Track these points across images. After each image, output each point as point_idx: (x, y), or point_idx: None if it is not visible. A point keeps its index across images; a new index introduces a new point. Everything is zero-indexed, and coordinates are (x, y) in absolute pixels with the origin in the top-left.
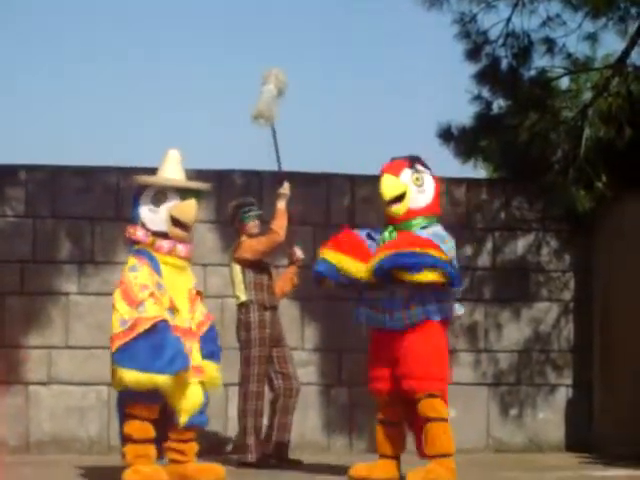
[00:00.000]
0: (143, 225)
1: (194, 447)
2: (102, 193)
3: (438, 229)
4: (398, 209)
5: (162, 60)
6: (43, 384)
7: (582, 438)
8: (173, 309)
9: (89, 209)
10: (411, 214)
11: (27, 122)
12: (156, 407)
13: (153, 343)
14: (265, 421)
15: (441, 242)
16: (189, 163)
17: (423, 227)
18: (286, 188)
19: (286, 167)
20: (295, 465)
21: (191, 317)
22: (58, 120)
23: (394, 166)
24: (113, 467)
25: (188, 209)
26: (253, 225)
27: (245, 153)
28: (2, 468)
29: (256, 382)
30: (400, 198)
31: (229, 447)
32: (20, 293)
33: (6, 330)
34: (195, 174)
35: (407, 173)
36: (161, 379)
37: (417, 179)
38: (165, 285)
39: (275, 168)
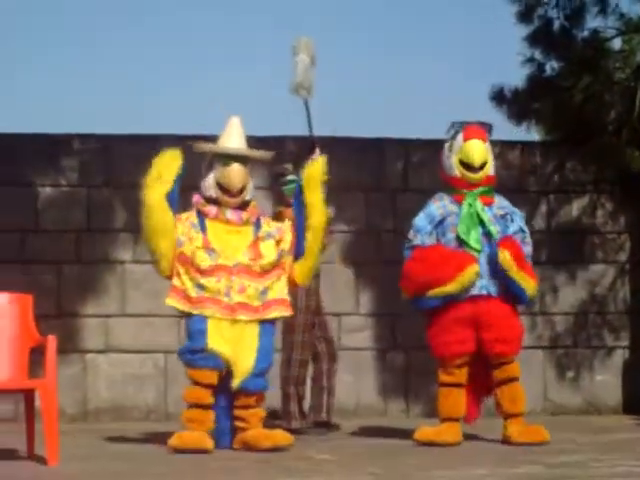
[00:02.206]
0: (200, 191)
1: (257, 414)
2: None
3: (509, 204)
4: (479, 175)
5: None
6: (100, 352)
7: (639, 400)
8: (210, 249)
9: (143, 177)
10: (488, 181)
11: (81, 90)
12: (211, 372)
13: None
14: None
15: (526, 241)
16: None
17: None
18: (317, 154)
19: (338, 133)
20: (335, 430)
21: (252, 262)
22: (110, 88)
23: (480, 133)
24: (170, 434)
25: (230, 174)
26: (289, 197)
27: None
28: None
29: (300, 349)
30: (483, 165)
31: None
32: (76, 262)
33: (63, 299)
34: (248, 140)
35: (488, 140)
36: None
37: (492, 147)
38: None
39: (314, 134)
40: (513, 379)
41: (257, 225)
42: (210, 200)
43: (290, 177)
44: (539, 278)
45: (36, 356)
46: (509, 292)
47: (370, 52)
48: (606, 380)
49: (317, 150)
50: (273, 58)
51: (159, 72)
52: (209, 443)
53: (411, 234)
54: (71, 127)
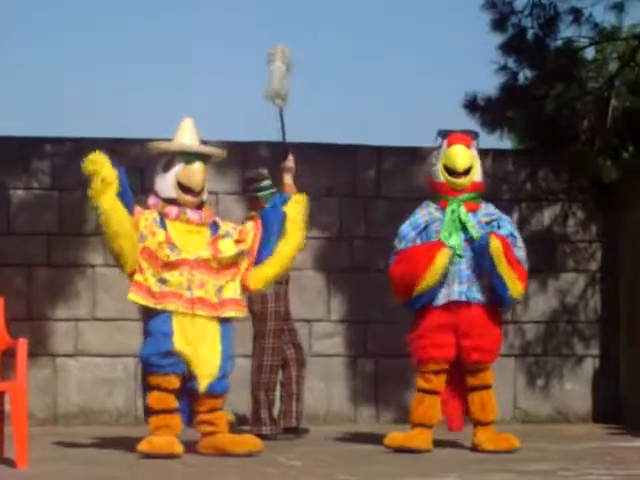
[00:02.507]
0: (156, 193)
1: (223, 417)
2: (127, 164)
3: (497, 211)
4: (464, 181)
5: (178, 34)
6: (71, 356)
7: (609, 409)
8: (172, 244)
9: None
10: (474, 187)
11: (53, 94)
12: (174, 377)
13: None
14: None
15: (517, 244)
16: (215, 135)
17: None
18: (290, 161)
19: (313, 139)
20: (304, 436)
21: (211, 257)
22: (83, 92)
23: (465, 138)
24: (140, 438)
25: (192, 173)
26: (264, 202)
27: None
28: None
29: (271, 355)
30: (467, 171)
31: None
32: (47, 265)
33: (33, 302)
34: (219, 145)
35: (474, 146)
36: None
37: (478, 153)
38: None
39: (287, 141)
40: (486, 386)
41: (214, 226)
42: (169, 200)
43: (265, 183)
44: None
45: (6, 359)
46: (493, 297)
47: (344, 58)
48: (576, 389)
49: (290, 157)
50: (245, 63)
51: (133, 75)
52: (178, 448)
53: (396, 241)
54: (44, 130)
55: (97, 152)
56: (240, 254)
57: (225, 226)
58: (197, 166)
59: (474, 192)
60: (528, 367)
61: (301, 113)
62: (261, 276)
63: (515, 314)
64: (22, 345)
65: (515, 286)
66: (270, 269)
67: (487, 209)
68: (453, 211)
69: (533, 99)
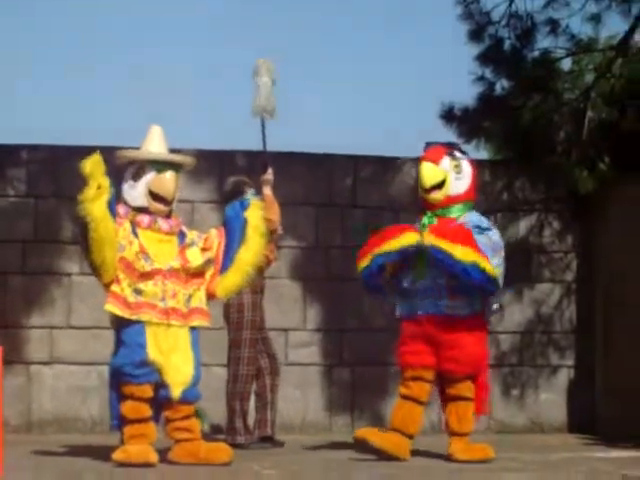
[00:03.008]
0: (125, 202)
1: (196, 424)
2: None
3: (479, 217)
4: (437, 196)
5: (158, 37)
6: (45, 364)
7: (584, 419)
8: (146, 254)
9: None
10: (450, 201)
11: (29, 101)
12: (147, 386)
13: None
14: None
15: (492, 252)
16: (189, 143)
17: (460, 215)
18: (270, 173)
19: (289, 148)
20: (279, 445)
21: (180, 267)
22: (59, 100)
23: (434, 153)
24: (114, 447)
25: (164, 182)
26: None
27: (249, 133)
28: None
29: (246, 365)
30: (439, 185)
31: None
32: (22, 273)
33: (7, 309)
34: (195, 154)
35: (446, 160)
36: None
37: (456, 166)
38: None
39: (267, 153)
40: (462, 398)
41: (181, 235)
42: (140, 209)
43: (251, 191)
44: None
45: None
46: (472, 309)
47: (320, 67)
48: (551, 399)
49: (269, 169)
50: (223, 73)
51: (110, 83)
52: (153, 457)
53: None
54: (19, 138)
55: (96, 155)
56: (207, 263)
57: (190, 234)
58: (169, 175)
59: (452, 205)
60: (503, 377)
61: (277, 122)
62: (225, 284)
63: (491, 324)
64: None
65: (477, 260)
66: (233, 277)
67: (465, 219)
68: (423, 225)
69: (510, 110)
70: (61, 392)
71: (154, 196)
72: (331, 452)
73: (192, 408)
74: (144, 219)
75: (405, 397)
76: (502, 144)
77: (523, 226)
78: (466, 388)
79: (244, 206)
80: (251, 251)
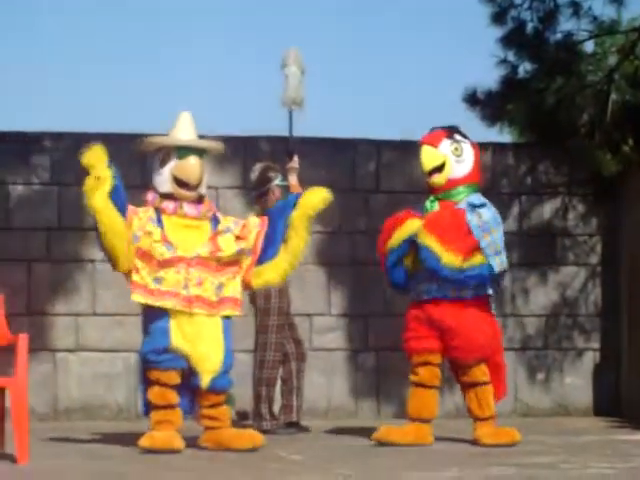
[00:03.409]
0: (153, 188)
1: (225, 412)
2: (127, 159)
3: (480, 201)
4: (438, 179)
5: (183, 27)
6: (70, 351)
7: (610, 402)
8: (168, 242)
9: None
10: (451, 184)
11: (53, 89)
12: (173, 372)
13: None
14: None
15: (482, 233)
16: (215, 129)
17: (462, 197)
18: (295, 162)
19: (312, 133)
20: (305, 431)
21: (210, 255)
22: (84, 87)
23: (433, 137)
24: (140, 433)
25: (188, 167)
26: (280, 192)
27: (272, 118)
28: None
29: (273, 350)
30: (440, 169)
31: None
32: (46, 260)
33: (33, 297)
34: (219, 139)
35: (446, 143)
36: None
37: (456, 149)
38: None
39: (294, 141)
40: (479, 383)
41: (215, 220)
42: (166, 196)
43: (279, 181)
44: (510, 279)
45: (6, 355)
46: (476, 294)
47: (343, 52)
48: (576, 382)
49: (295, 158)
50: (246, 59)
51: (132, 71)
52: (179, 443)
53: None
54: (43, 125)
55: (97, 146)
56: (240, 252)
57: (225, 221)
58: (192, 160)
59: (454, 188)
60: (528, 361)
61: (305, 111)
62: (263, 276)
63: (515, 307)
64: (22, 341)
65: (456, 262)
66: (271, 270)
67: (469, 200)
68: (426, 209)
69: (533, 92)
70: (87, 379)
71: (178, 182)
72: (356, 437)
73: (221, 397)
74: (169, 205)
75: (416, 384)
76: (525, 127)
77: (547, 209)
78: (480, 373)
79: (294, 199)
80: (294, 249)
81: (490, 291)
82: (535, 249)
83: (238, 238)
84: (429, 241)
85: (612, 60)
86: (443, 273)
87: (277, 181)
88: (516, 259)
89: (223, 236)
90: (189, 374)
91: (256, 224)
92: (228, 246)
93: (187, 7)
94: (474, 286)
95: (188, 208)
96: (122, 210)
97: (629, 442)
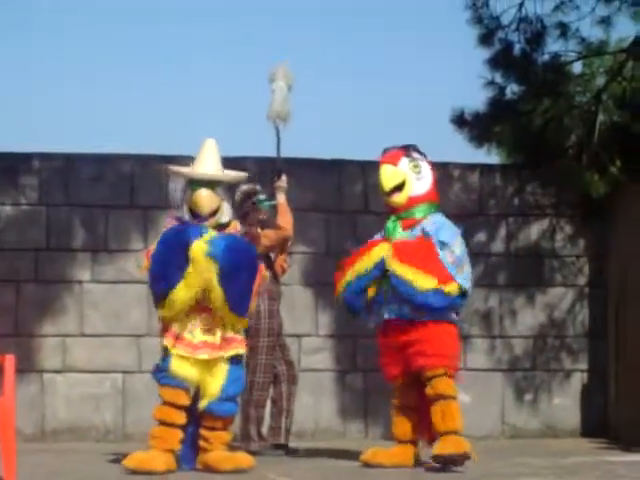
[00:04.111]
0: (174, 214)
1: (221, 436)
2: (116, 181)
3: (443, 221)
4: (399, 198)
5: (170, 47)
6: (58, 372)
7: (598, 424)
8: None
9: (103, 197)
10: (412, 202)
11: (39, 109)
12: (176, 391)
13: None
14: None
15: (456, 269)
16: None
17: (423, 215)
18: (284, 181)
19: (298, 154)
20: (294, 453)
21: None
22: (70, 107)
23: (391, 156)
24: (127, 454)
25: (199, 199)
26: (263, 212)
27: (259, 140)
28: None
29: (263, 372)
30: (400, 187)
31: None
32: (34, 281)
33: (20, 318)
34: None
35: (404, 162)
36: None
37: (415, 166)
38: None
39: (281, 160)
40: (444, 396)
41: None
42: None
43: (261, 197)
44: (498, 301)
45: None
46: (435, 314)
47: (327, 74)
48: (564, 403)
49: (283, 177)
50: (237, 78)
51: (120, 91)
52: (159, 464)
53: None
54: (31, 146)
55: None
56: None
57: None
58: (203, 192)
59: (415, 206)
60: (516, 382)
61: (290, 128)
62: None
63: (503, 328)
64: (9, 362)
65: (430, 284)
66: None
67: (429, 221)
68: (389, 230)
69: (521, 114)
70: (74, 400)
71: (193, 212)
72: (344, 459)
73: (218, 422)
74: None
75: (395, 407)
76: (513, 148)
77: (535, 230)
78: (445, 386)
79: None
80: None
81: (453, 315)
82: (523, 270)
83: None
84: (400, 269)
85: (600, 81)
86: (417, 299)
87: (260, 197)
88: (504, 280)
89: None
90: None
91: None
92: None
93: (169, 31)
94: (429, 312)
95: None
96: None
97: (617, 463)
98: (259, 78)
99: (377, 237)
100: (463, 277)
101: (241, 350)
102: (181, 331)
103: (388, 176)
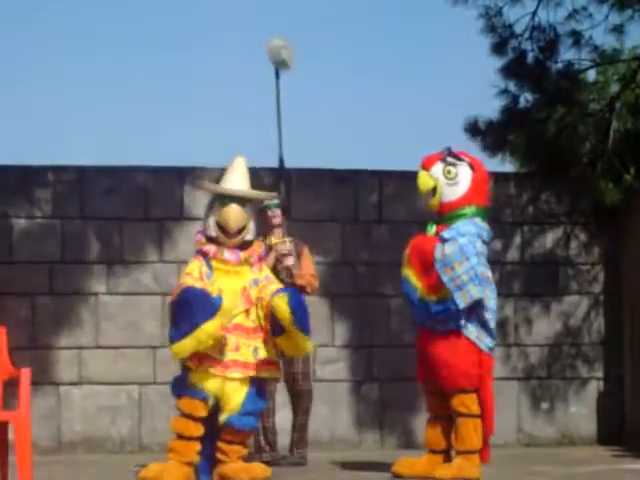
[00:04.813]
0: (202, 230)
1: (238, 450)
2: (130, 193)
3: (462, 231)
4: (432, 203)
5: (183, 59)
6: (74, 384)
7: (614, 431)
8: (220, 291)
9: (117, 209)
10: (445, 208)
11: (55, 121)
12: (199, 403)
13: (181, 309)
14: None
15: (443, 268)
16: (216, 160)
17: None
18: (283, 190)
19: (315, 165)
20: (301, 460)
21: (245, 314)
22: (85, 120)
23: (427, 160)
24: (144, 466)
25: (227, 215)
26: (272, 215)
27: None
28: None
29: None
30: (434, 192)
31: None
32: (49, 294)
33: (36, 331)
34: (214, 170)
35: (438, 166)
36: (192, 338)
37: (448, 172)
38: (214, 278)
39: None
40: (458, 414)
41: (255, 267)
42: (211, 239)
43: (268, 202)
44: (513, 309)
45: (10, 388)
46: (452, 325)
47: (345, 84)
48: (580, 411)
49: (282, 185)
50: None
51: (131, 104)
52: (178, 477)
53: None
54: (45, 159)
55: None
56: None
57: (257, 274)
58: (231, 208)
59: (448, 212)
60: (532, 390)
61: (303, 139)
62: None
63: (518, 336)
64: (25, 374)
65: (420, 288)
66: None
67: (451, 230)
68: (428, 233)
69: (534, 122)
70: (90, 412)
71: (220, 228)
72: (360, 469)
73: (237, 436)
74: (211, 249)
75: (428, 412)
76: (527, 157)
77: (549, 239)
78: (458, 403)
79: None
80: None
81: (462, 323)
82: (537, 279)
83: (257, 298)
84: (408, 272)
85: (613, 89)
86: (417, 305)
87: (272, 202)
88: (519, 289)
89: (251, 289)
90: (216, 412)
91: (272, 292)
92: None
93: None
94: (445, 320)
95: (228, 254)
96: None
97: (633, 471)
98: (260, 95)
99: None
100: (449, 278)
101: (276, 374)
102: (206, 352)
103: (420, 181)
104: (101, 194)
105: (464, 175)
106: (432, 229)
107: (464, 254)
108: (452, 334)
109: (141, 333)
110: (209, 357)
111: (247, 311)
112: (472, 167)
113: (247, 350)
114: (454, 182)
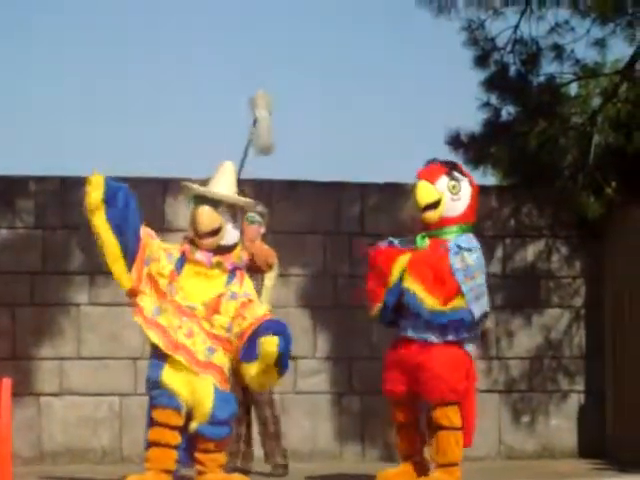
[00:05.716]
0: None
1: (215, 459)
2: None
3: (467, 245)
4: (431, 216)
5: (170, 67)
6: (55, 395)
7: (595, 444)
8: (171, 284)
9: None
10: (445, 222)
11: (35, 132)
12: (171, 411)
13: None
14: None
15: (464, 277)
16: (205, 171)
17: (451, 235)
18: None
19: (297, 176)
20: (281, 469)
21: (209, 323)
22: (65, 130)
23: (431, 172)
24: (124, 477)
25: (198, 216)
26: (251, 229)
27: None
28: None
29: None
30: (434, 205)
31: None
32: (30, 304)
33: (17, 341)
34: (204, 182)
35: (444, 180)
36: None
37: (453, 187)
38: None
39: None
40: (439, 426)
41: (231, 275)
42: (190, 240)
43: (257, 218)
44: (494, 322)
45: None
46: (449, 337)
47: (326, 96)
48: (561, 424)
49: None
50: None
51: (114, 114)
52: None
53: None
54: (26, 169)
55: (95, 173)
56: (229, 328)
57: (238, 286)
58: (204, 209)
59: (446, 227)
60: (513, 403)
61: (284, 150)
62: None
63: (500, 349)
64: (6, 385)
65: (437, 305)
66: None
67: (457, 242)
68: (417, 245)
69: (516, 135)
70: (71, 423)
71: (193, 229)
72: None
73: (210, 444)
74: (187, 247)
75: (397, 425)
76: (509, 170)
77: (531, 252)
78: (441, 415)
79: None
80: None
81: (465, 335)
82: (519, 291)
83: (236, 313)
84: (412, 285)
85: (595, 102)
86: (426, 317)
87: (252, 216)
88: (500, 301)
89: (228, 301)
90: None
91: (256, 316)
92: (226, 312)
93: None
94: (452, 330)
95: (199, 255)
96: (125, 230)
97: None
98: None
99: (383, 244)
100: (471, 286)
101: (216, 383)
102: (163, 324)
103: (424, 193)
104: (83, 204)
105: (465, 191)
106: (424, 242)
107: (481, 264)
108: (448, 345)
109: (123, 344)
110: (162, 326)
111: (208, 313)
112: (471, 184)
113: (201, 345)
114: (457, 197)
